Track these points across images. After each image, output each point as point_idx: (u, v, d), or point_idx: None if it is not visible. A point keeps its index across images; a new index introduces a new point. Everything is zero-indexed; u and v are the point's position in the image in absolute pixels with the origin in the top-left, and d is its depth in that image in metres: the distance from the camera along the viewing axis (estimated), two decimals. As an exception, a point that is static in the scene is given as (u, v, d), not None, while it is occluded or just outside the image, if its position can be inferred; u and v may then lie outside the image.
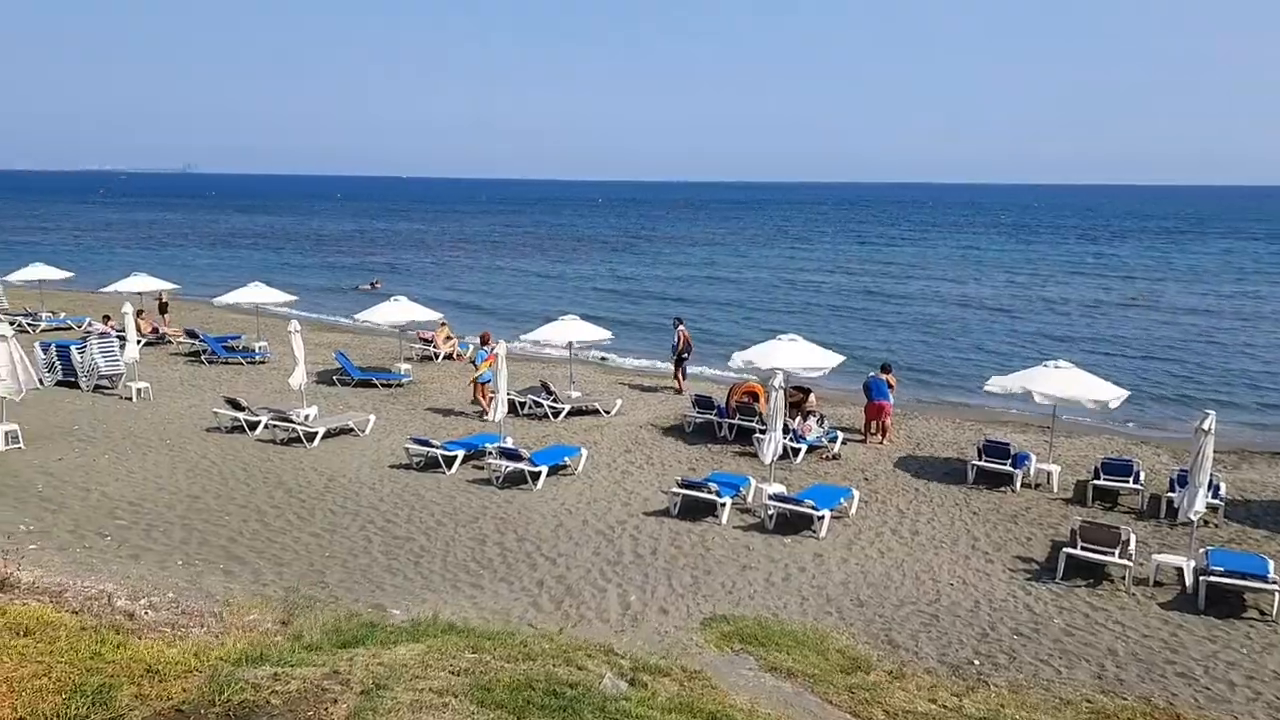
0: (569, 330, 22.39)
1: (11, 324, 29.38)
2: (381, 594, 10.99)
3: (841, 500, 14.88)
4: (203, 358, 26.31)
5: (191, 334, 27.68)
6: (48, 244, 65.55)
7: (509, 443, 17.60)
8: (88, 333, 26.58)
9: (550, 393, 21.67)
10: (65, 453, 16.29)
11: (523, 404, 21.49)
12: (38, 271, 30.75)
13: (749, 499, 15.26)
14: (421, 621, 8.55)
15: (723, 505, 14.47)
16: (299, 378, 19.21)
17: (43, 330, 29.02)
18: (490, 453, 16.56)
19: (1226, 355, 31.97)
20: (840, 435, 18.92)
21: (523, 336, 23.10)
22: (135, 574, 10.51)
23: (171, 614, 7.60)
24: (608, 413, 21.35)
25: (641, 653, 7.15)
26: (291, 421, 18.23)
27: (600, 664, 6.16)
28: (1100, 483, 15.64)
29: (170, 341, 28.49)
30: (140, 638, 6.17)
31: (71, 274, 31.92)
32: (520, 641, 6.24)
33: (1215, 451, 12.75)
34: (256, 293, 27.24)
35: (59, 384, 21.97)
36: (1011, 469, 16.27)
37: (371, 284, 46.87)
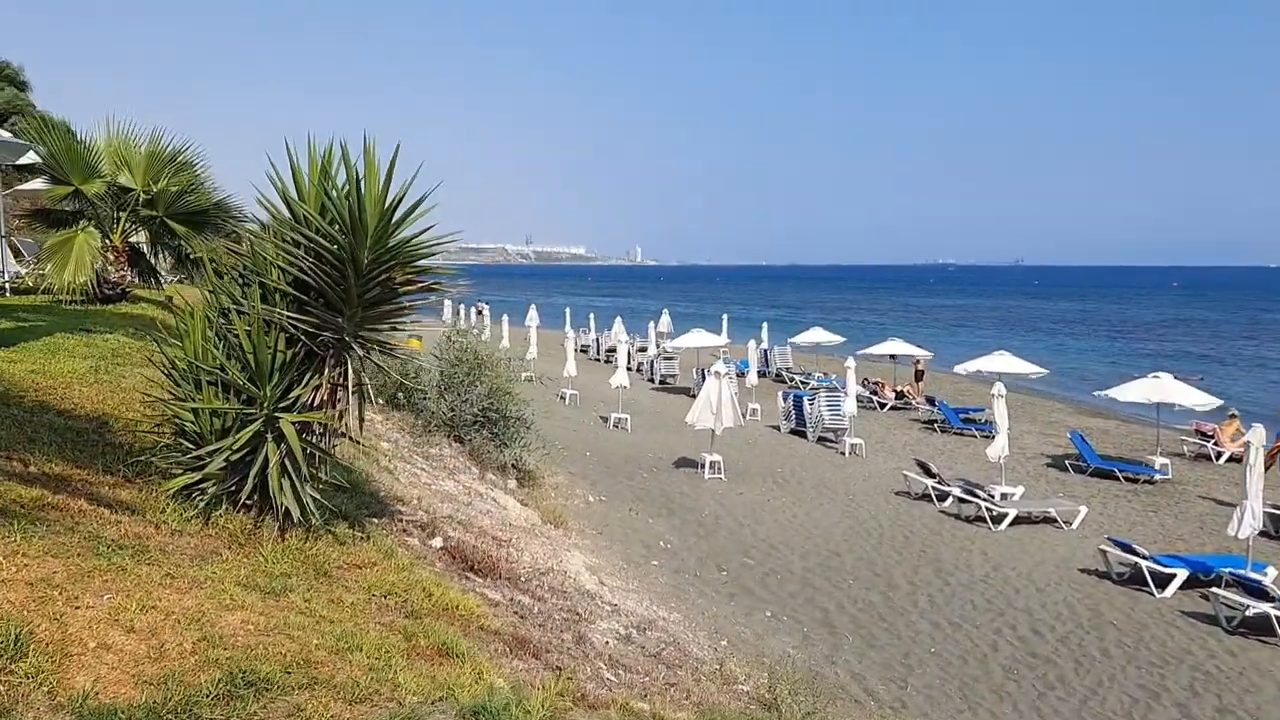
0: None
1: (790, 380, 33.43)
2: (967, 718, 8.24)
3: None
4: (936, 426, 25.53)
5: (931, 401, 27.19)
6: (855, 320, 73.68)
7: (1270, 575, 12.43)
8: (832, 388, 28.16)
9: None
10: (752, 489, 16.93)
11: (1323, 529, 15.32)
12: (815, 335, 34.06)
13: None
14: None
15: None
16: (998, 449, 16.84)
17: (810, 388, 31.86)
18: (1224, 581, 11.84)
19: None
20: None
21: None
22: (709, 612, 9.85)
23: (638, 656, 6.52)
24: None
25: None
26: (978, 497, 15.98)
27: None
28: None
29: (915, 407, 28.46)
30: (526, 660, 5.21)
31: (844, 338, 34.55)
32: None
33: None
34: (1001, 362, 25.32)
35: (792, 432, 23.47)
36: None
37: (1198, 377, 39.52)
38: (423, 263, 5.52)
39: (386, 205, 5.35)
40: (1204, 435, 22.97)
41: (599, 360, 38.24)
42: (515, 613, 6.12)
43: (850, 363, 22.11)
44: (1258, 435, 12.61)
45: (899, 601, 11.49)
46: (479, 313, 45.13)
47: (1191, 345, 58.72)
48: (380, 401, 12.92)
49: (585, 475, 16.08)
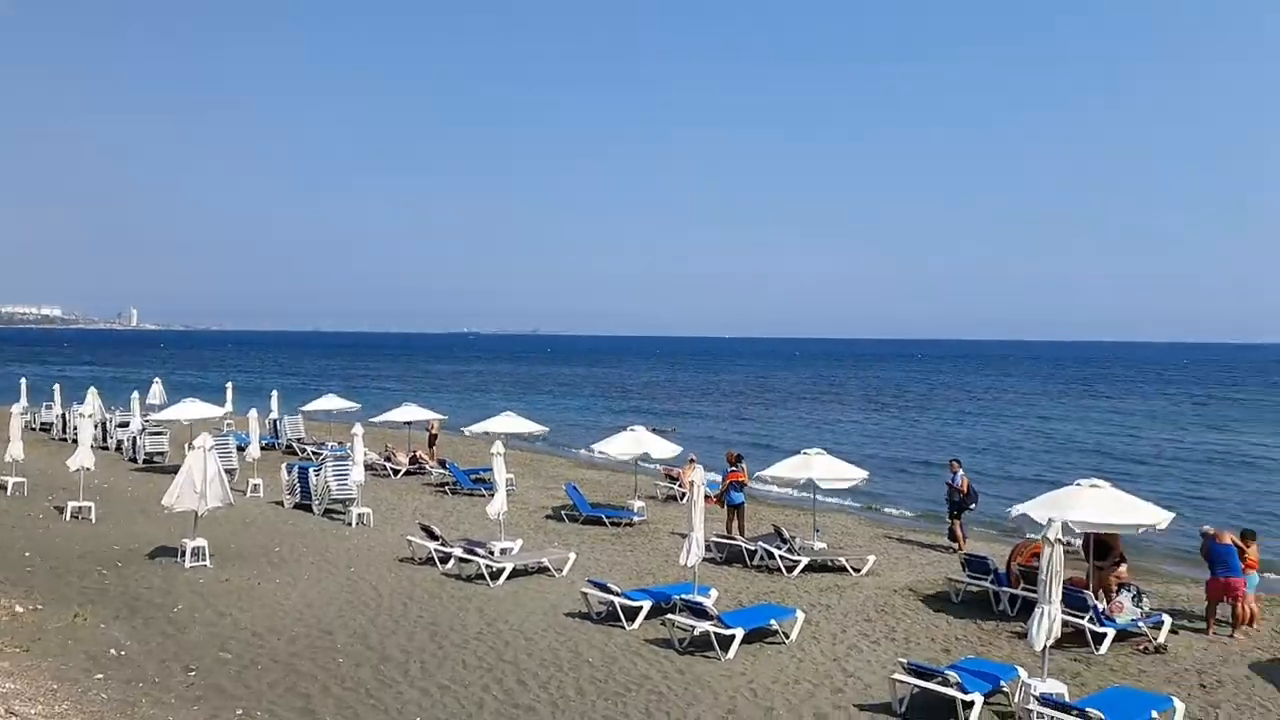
0: (812, 466, 18.93)
1: (301, 452, 31.70)
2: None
3: (1154, 714, 9.97)
4: (448, 488, 25.95)
5: (443, 464, 27.64)
6: (375, 387, 73.03)
7: (712, 597, 14.46)
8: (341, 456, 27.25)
9: (784, 541, 18.21)
10: (241, 574, 15.58)
11: (752, 552, 18.26)
12: (329, 402, 32.89)
13: (1014, 699, 10.78)
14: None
15: (968, 705, 10.19)
16: (497, 506, 17.53)
17: (321, 458, 30.52)
18: (677, 606, 13.50)
19: None
20: (1168, 620, 13.60)
21: (761, 473, 19.97)
22: (165, 722, 8.71)
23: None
24: (856, 570, 17.47)
25: None
26: (478, 555, 16.44)
27: None
28: None
29: (429, 471, 28.64)
30: None
31: (359, 405, 33.82)
32: None
33: None
34: (506, 423, 26.65)
35: (297, 506, 22.21)
36: None
37: (671, 429, 44.65)
38: None
39: None
40: (671, 479, 26.39)
41: (64, 440, 32.76)
42: None
43: (357, 429, 21.54)
44: (699, 475, 14.79)
45: (390, 673, 11.24)
46: None
47: (669, 403, 67.93)
48: None
49: (20, 581, 13.41)
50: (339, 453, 28.03)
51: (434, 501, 24.41)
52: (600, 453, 23.58)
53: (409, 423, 30.68)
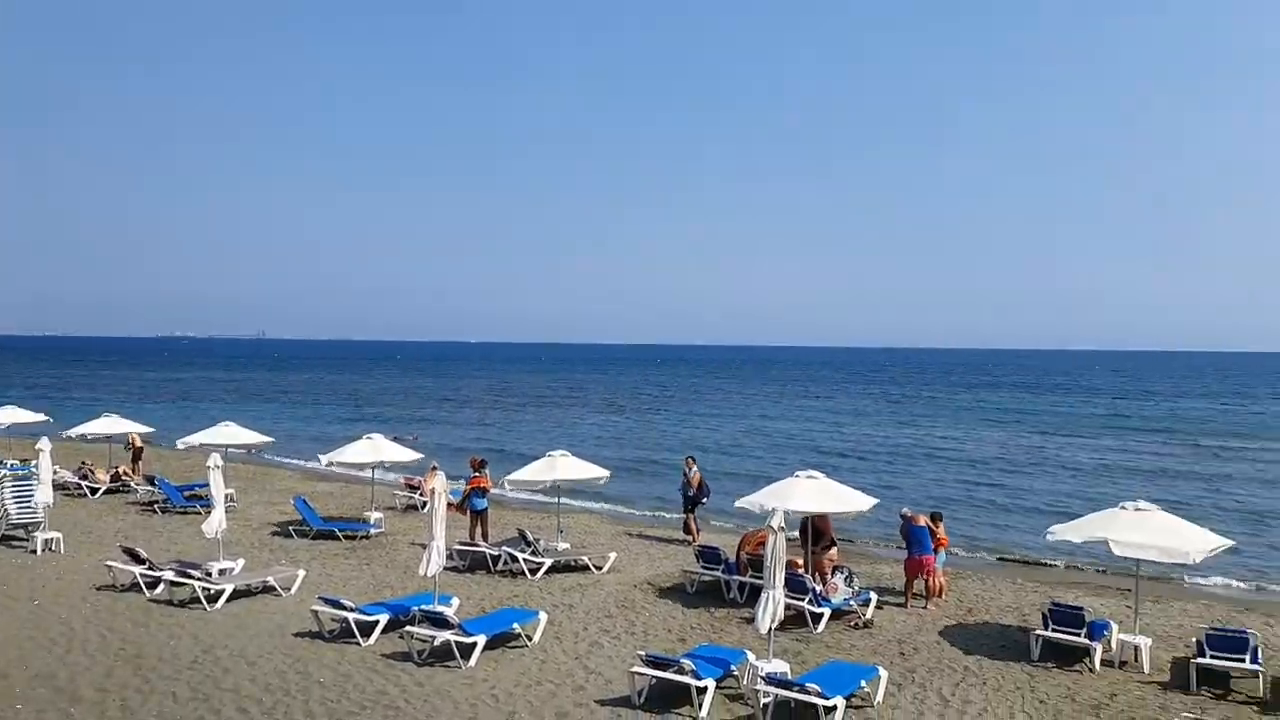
0: (556, 468, 19.07)
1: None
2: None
3: (862, 683, 10.96)
4: (157, 506, 23.49)
5: (151, 480, 24.97)
6: (67, 396, 65.03)
7: (453, 605, 14.11)
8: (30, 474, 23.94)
9: (528, 544, 18.19)
10: (-112, 617, 13.21)
11: (497, 558, 18.06)
12: (8, 415, 28.60)
13: (743, 681, 11.42)
14: None
15: (701, 690, 10.67)
16: (215, 523, 16.10)
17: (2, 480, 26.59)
18: (416, 618, 13.06)
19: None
20: (874, 597, 15.06)
21: (507, 478, 19.77)
22: None
23: None
24: (598, 568, 17.78)
25: None
26: (193, 578, 14.98)
27: None
28: (1206, 661, 11.72)
29: (134, 488, 25.76)
30: None
31: (48, 418, 29.71)
32: None
33: None
34: (226, 433, 24.46)
35: (-36, 535, 19.17)
36: (1087, 641, 12.45)
37: (413, 437, 42.94)
38: None
39: None
40: (412, 488, 25.51)
41: None
42: None
43: (44, 444, 18.89)
44: (440, 483, 14.44)
45: (83, 716, 9.95)
46: None
47: (407, 410, 65.88)
48: None
49: None
50: (20, 470, 24.51)
51: (141, 521, 22.02)
52: (333, 463, 22.36)
53: (109, 436, 27.41)
